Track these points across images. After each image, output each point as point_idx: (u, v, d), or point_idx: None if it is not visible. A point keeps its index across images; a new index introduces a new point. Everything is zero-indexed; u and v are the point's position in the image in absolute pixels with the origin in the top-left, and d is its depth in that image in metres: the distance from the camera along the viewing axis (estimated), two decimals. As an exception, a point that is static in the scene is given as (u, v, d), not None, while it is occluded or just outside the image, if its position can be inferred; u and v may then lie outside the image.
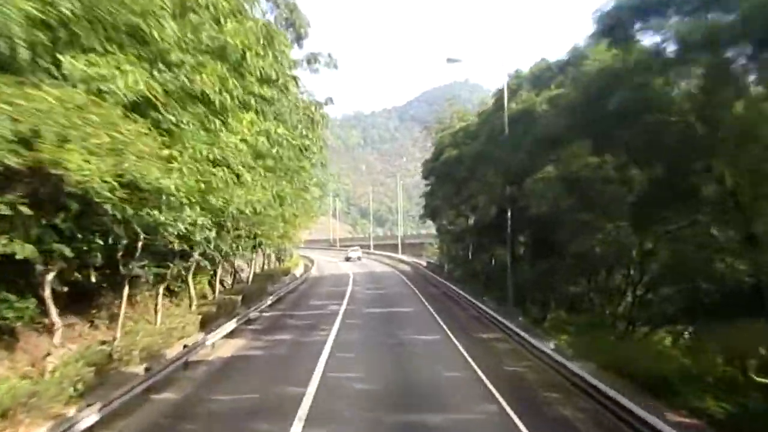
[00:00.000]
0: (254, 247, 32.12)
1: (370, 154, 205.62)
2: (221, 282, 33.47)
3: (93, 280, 13.76)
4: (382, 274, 45.30)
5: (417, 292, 30.88)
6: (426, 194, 40.54)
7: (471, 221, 35.33)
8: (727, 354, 12.96)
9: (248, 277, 32.76)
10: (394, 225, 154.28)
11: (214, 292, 30.42)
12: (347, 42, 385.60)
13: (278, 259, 60.43)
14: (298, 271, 47.95)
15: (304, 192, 27.44)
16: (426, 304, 25.58)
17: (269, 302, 24.92)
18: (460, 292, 26.12)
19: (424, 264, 48.96)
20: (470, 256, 35.27)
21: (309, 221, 62.62)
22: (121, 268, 14.69)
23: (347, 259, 59.95)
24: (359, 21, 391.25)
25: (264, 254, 41.74)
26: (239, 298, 25.02)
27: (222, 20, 11.83)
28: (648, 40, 12.74)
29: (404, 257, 58.76)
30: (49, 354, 11.32)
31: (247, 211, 17.04)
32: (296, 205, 29.32)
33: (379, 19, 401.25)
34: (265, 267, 42.62)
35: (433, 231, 73.27)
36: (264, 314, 23.71)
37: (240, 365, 14.64)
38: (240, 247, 21.72)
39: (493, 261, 30.84)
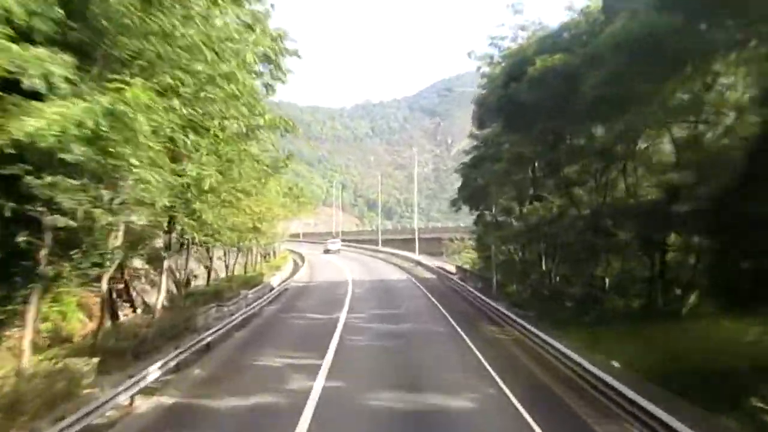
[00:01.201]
0: (178, 247, 18.51)
1: (378, 144, 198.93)
2: (132, 305, 20.33)
3: None
4: (396, 288, 30.66)
5: (464, 335, 16.81)
6: (464, 167, 26.47)
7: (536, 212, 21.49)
8: None
9: (167, 302, 18.98)
10: (402, 218, 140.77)
11: (116, 317, 17.38)
12: (357, 30, 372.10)
13: (265, 256, 48.01)
14: (276, 278, 33.70)
15: (246, 138, 13.56)
16: (503, 387, 11.37)
17: (158, 370, 11.03)
18: (562, 348, 12.10)
19: (454, 271, 34.74)
20: (543, 267, 21.34)
21: (302, 209, 49.27)
22: None
23: (326, 251, 59.19)
24: (370, 9, 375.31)
25: (214, 257, 27.84)
26: (91, 363, 11.24)
27: None
28: None
29: (423, 259, 44.73)
30: None
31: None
32: (238, 170, 15.49)
33: (390, 7, 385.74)
34: (218, 274, 28.86)
35: (451, 224, 60.12)
36: (121, 423, 9.84)
37: None
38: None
39: (606, 281, 16.90)
